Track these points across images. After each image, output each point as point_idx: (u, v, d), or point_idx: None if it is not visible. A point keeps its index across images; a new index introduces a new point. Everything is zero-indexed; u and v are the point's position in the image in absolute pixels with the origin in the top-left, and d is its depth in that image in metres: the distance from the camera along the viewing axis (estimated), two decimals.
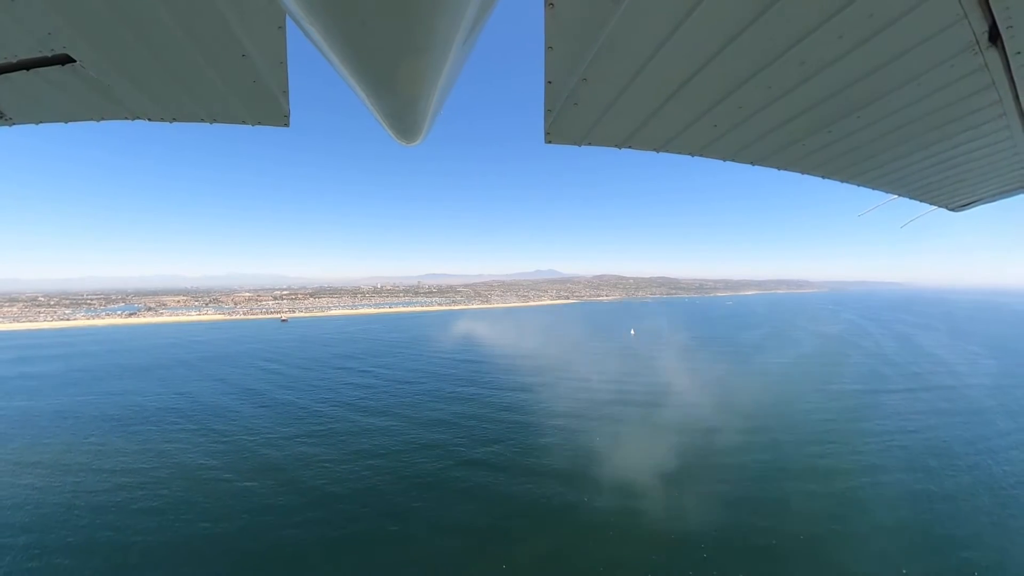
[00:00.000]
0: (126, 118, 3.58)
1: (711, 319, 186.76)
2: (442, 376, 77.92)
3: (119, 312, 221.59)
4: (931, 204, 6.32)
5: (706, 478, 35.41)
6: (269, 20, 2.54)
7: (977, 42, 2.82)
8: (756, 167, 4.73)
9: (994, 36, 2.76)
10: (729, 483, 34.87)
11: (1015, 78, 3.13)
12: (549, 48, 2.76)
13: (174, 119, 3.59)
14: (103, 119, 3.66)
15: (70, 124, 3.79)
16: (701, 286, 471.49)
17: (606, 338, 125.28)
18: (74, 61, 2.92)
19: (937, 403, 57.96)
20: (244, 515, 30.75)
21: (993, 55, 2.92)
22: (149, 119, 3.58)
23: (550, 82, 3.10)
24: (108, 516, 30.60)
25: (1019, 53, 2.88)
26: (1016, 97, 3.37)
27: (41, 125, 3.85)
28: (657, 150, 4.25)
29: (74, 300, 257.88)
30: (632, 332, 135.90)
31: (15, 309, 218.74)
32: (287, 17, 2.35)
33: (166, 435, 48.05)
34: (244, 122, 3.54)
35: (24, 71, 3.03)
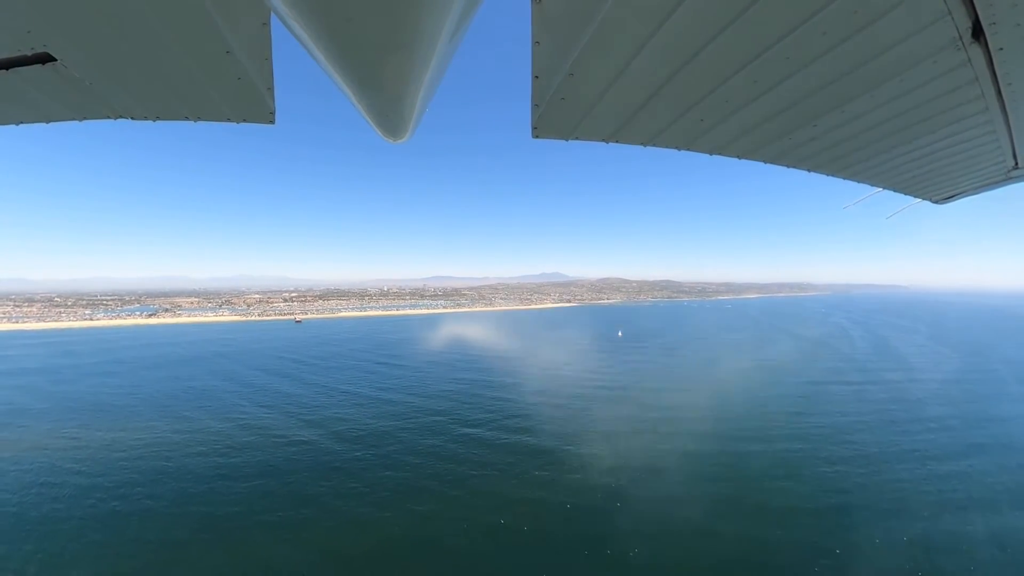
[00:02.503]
0: (108, 117, 3.58)
1: (703, 322, 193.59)
2: (445, 366, 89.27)
3: (138, 313, 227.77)
4: (916, 197, 6.53)
5: (639, 439, 46.88)
6: (254, 16, 2.50)
7: (960, 38, 2.84)
8: (743, 161, 4.87)
9: (977, 32, 2.78)
10: (653, 440, 46.31)
11: (997, 73, 3.18)
12: (536, 43, 2.76)
13: (158, 117, 3.59)
14: (85, 119, 3.64)
15: (57, 125, 3.77)
16: (703, 290, 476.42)
17: (594, 338, 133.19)
18: (54, 60, 2.84)
19: (878, 394, 65.71)
20: (304, 457, 42.64)
21: (976, 51, 2.95)
22: (132, 118, 3.57)
23: (537, 77, 3.12)
24: (202, 468, 39.90)
25: (1002, 49, 2.91)
26: (998, 92, 3.44)
27: (25, 126, 3.83)
28: (644, 144, 4.37)
29: (90, 301, 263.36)
30: (619, 334, 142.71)
31: (34, 309, 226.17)
32: (272, 14, 2.34)
33: (229, 408, 59.91)
34: (229, 120, 3.56)
35: (2, 71, 2.96)
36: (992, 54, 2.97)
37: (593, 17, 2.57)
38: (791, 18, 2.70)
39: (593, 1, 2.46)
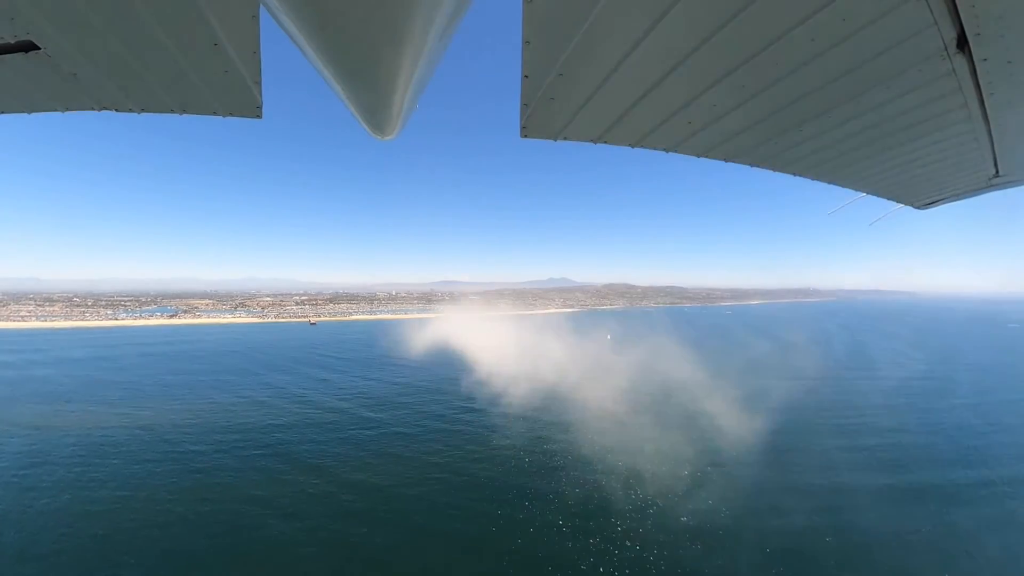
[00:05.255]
0: (92, 108, 3.49)
1: (696, 327, 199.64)
2: (448, 362, 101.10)
3: (159, 313, 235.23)
4: (899, 202, 6.62)
5: (588, 417, 58.07)
6: (243, 9, 2.46)
7: (946, 48, 2.88)
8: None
9: (962, 43, 2.82)
10: (600, 414, 58.19)
11: (981, 83, 3.23)
12: (526, 43, 2.76)
13: (143, 110, 3.51)
14: (68, 109, 3.56)
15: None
16: (708, 296, 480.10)
17: (585, 340, 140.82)
18: (38, 48, 2.77)
19: (827, 388, 74.59)
20: (344, 420, 54.70)
21: (961, 61, 2.99)
22: (117, 110, 3.50)
23: (527, 76, 3.11)
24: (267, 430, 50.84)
25: (985, 60, 2.95)
26: (981, 101, 3.49)
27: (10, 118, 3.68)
28: (632, 146, 4.39)
29: (109, 301, 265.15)
30: (608, 337, 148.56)
31: (56, 308, 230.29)
32: (261, 6, 2.28)
33: (279, 390, 73.52)
34: (215, 113, 3.48)
35: None
36: (976, 64, 3.02)
37: (584, 18, 2.58)
38: (780, 24, 2.72)
39: (584, 2, 2.46)
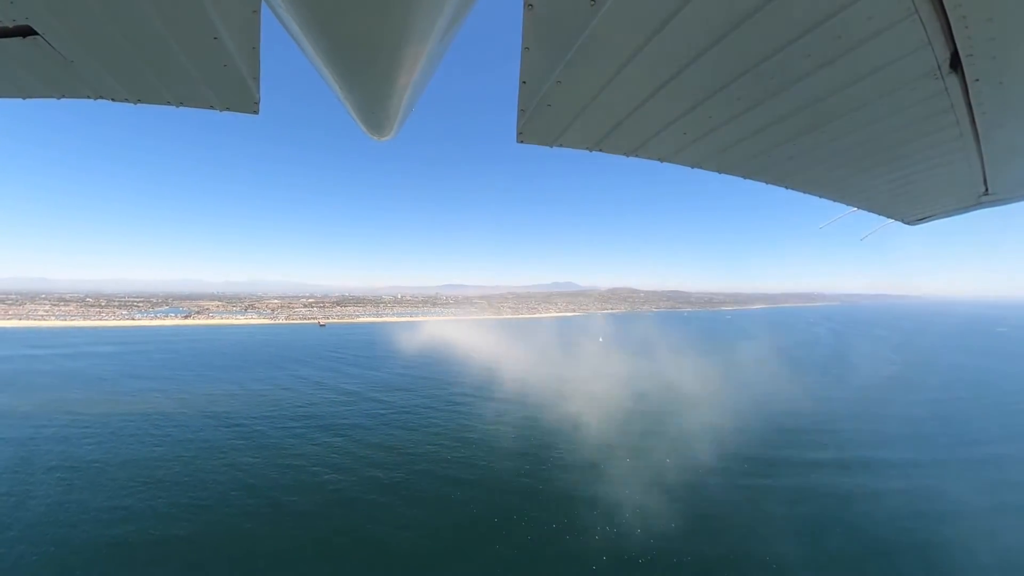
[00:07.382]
0: (88, 97, 3.49)
1: (689, 331, 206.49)
2: (446, 360, 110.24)
3: (172, 314, 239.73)
4: (889, 217, 6.70)
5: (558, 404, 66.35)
6: (244, 3, 2.45)
7: (939, 67, 2.91)
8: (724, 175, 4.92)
9: (955, 63, 2.85)
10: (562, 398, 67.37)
11: (972, 103, 3.27)
12: (526, 49, 2.78)
13: (139, 100, 3.49)
14: (63, 97, 3.54)
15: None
16: (710, 300, 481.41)
17: (578, 341, 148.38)
18: (36, 34, 2.75)
19: (799, 385, 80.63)
20: (364, 403, 62.31)
21: (953, 81, 3.03)
22: (112, 99, 3.48)
23: (525, 82, 3.12)
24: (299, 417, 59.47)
25: (977, 80, 3.00)
26: (972, 121, 3.53)
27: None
28: (627, 155, 4.41)
29: (122, 302, 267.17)
30: (600, 339, 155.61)
31: (71, 308, 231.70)
32: (263, 2, 2.30)
33: (307, 381, 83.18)
34: (212, 107, 3.47)
35: None
36: (968, 84, 3.06)
37: (584, 27, 2.60)
38: (777, 39, 2.76)
39: (584, 11, 2.48)
